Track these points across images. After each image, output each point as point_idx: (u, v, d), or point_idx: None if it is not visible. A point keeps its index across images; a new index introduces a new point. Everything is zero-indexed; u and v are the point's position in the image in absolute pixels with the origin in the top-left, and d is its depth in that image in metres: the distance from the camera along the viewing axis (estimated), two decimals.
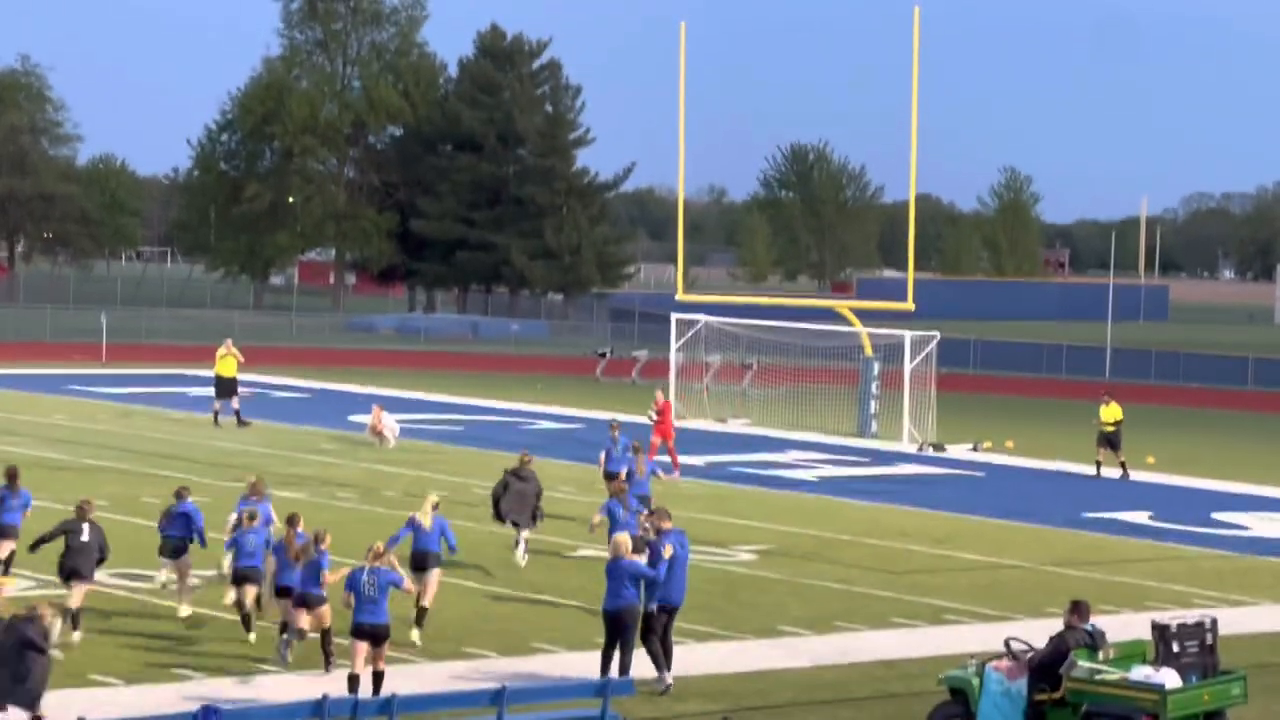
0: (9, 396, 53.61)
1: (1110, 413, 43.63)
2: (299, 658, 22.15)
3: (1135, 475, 44.70)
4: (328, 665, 21.36)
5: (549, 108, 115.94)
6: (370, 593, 20.29)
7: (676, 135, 55.53)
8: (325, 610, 21.50)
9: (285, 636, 21.77)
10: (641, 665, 21.51)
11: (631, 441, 33.66)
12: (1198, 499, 41.05)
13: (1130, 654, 18.79)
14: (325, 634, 21.56)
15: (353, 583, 20.47)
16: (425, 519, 24.09)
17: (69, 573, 23.21)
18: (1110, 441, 43.63)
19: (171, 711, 17.38)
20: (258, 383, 61.42)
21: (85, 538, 23.40)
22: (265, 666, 21.79)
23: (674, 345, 56.08)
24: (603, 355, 74.13)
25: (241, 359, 48.97)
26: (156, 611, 24.40)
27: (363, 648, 20.22)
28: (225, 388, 48.33)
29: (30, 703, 17.70)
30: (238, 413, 47.89)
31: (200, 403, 53.68)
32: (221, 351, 48.66)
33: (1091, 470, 43.90)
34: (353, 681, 20.12)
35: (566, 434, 49.50)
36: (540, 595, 26.63)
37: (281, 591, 22.14)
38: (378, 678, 20.20)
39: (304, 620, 21.44)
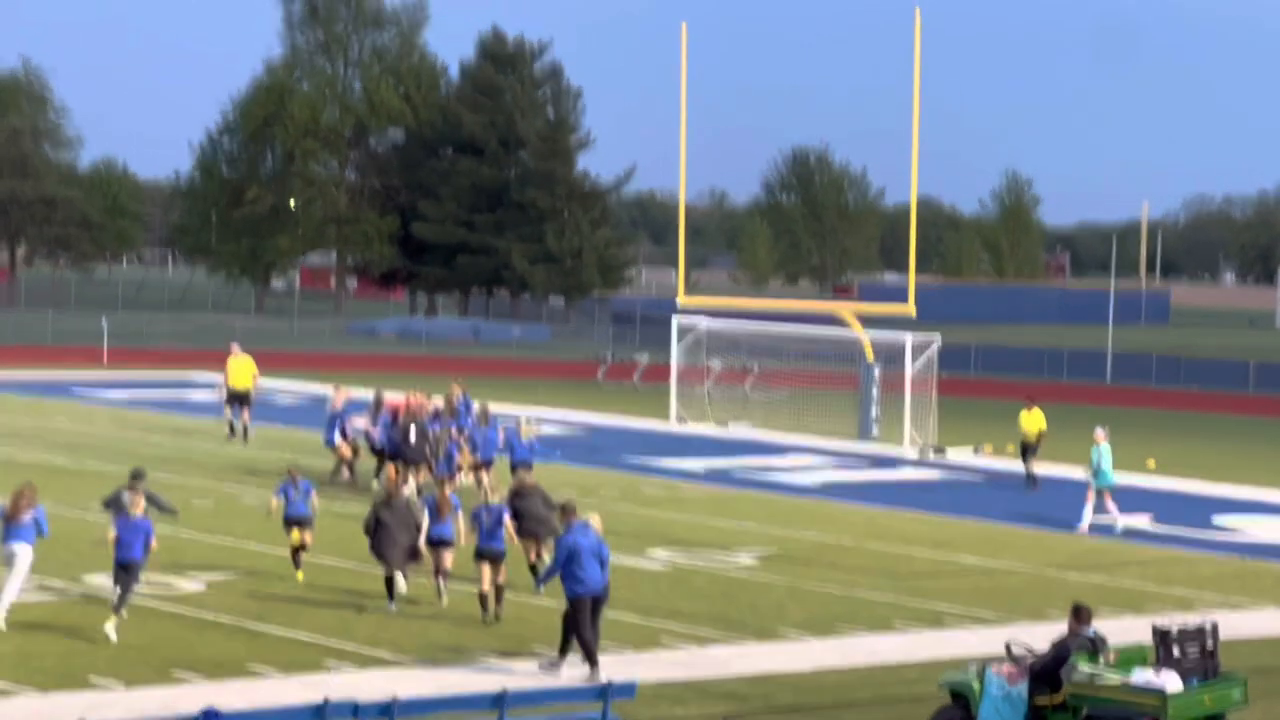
0: (10, 400, 53.63)
1: (1033, 420, 41.99)
2: (297, 661, 22.19)
3: (1136, 480, 44.67)
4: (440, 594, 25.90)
5: (550, 111, 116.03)
6: (488, 525, 24.94)
7: (677, 138, 55.60)
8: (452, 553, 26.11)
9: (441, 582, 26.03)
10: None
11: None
12: (1198, 503, 41.05)
13: (1131, 658, 18.78)
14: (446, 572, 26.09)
15: (475, 518, 25.20)
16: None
17: (409, 460, 35.22)
18: (1029, 450, 41.95)
19: (172, 714, 17.37)
20: (259, 386, 61.44)
21: (414, 439, 35.90)
22: (265, 669, 21.80)
23: (675, 349, 56.10)
24: (604, 359, 74.14)
25: (256, 370, 46.02)
26: (157, 613, 24.40)
27: (486, 568, 24.77)
28: (238, 397, 45.42)
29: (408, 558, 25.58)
30: (245, 426, 45.05)
31: (202, 407, 53.69)
32: (233, 359, 45.75)
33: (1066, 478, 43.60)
34: (483, 599, 24.84)
35: (569, 438, 49.49)
36: (540, 598, 26.61)
37: (435, 542, 25.89)
38: (499, 590, 24.92)
39: (449, 561, 26.02)
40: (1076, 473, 45.44)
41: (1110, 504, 35.99)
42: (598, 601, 22.43)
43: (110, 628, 23.12)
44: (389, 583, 25.65)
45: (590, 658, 22.02)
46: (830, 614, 26.51)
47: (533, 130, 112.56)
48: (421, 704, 17.54)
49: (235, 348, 46.36)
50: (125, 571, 23.71)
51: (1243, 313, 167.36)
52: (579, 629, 22.02)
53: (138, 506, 24.27)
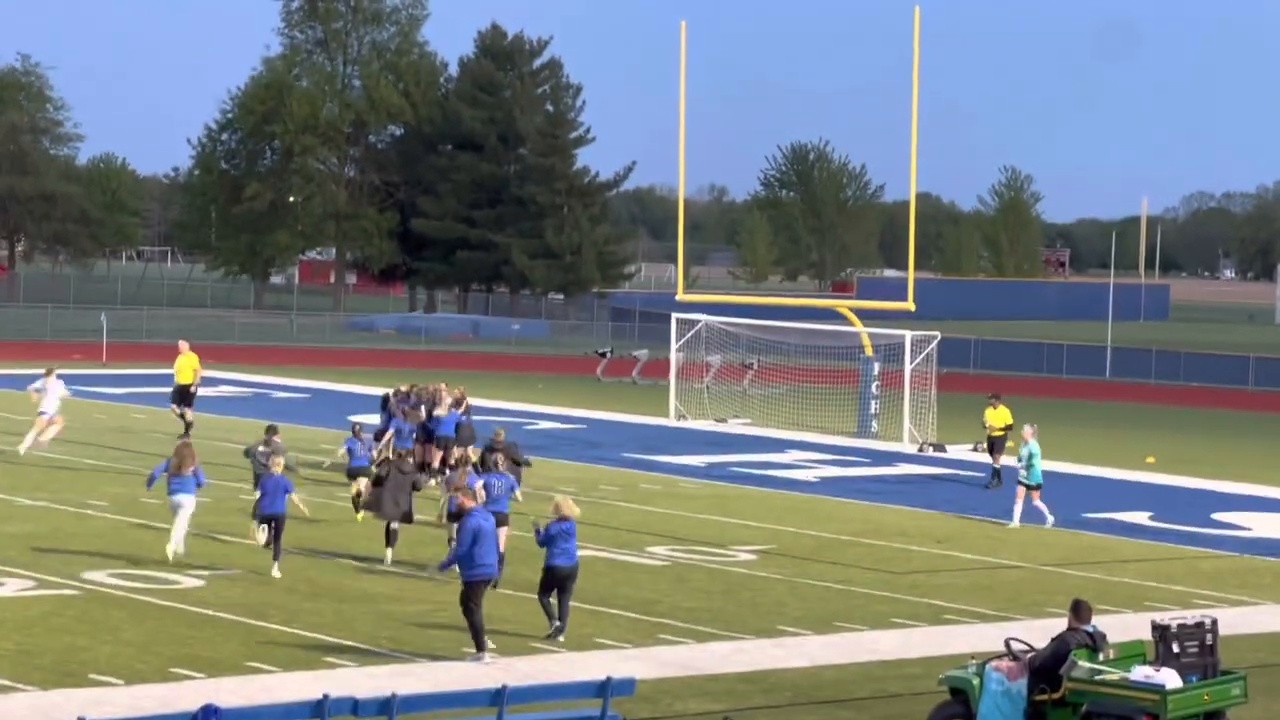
0: (9, 396, 53.57)
1: (999, 416, 41.53)
2: (296, 658, 22.19)
3: (1135, 476, 44.75)
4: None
5: (549, 107, 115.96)
6: (498, 492, 27.29)
7: (677, 134, 55.55)
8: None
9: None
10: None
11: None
12: (1198, 499, 41.07)
13: (1130, 654, 18.78)
14: None
15: (487, 486, 27.21)
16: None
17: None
18: (994, 446, 41.46)
19: (172, 711, 17.37)
20: (258, 382, 61.47)
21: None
22: (264, 666, 21.81)
23: (674, 345, 56.10)
24: (603, 355, 74.13)
25: (199, 366, 45.77)
26: (156, 609, 24.42)
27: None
28: (181, 393, 45.22)
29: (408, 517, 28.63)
30: (187, 421, 44.59)
31: (201, 402, 53.65)
32: (180, 357, 45.55)
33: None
34: None
35: (568, 434, 49.52)
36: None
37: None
38: (500, 556, 25.76)
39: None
40: (1071, 468, 45.54)
41: (1037, 502, 35.36)
42: (566, 579, 23.72)
43: (275, 571, 27.14)
44: (388, 532, 28.73)
45: (479, 642, 22.50)
46: (829, 610, 26.51)
47: (532, 126, 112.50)
48: (420, 700, 17.52)
49: (183, 344, 46.64)
50: (273, 523, 27.49)
51: (1242, 308, 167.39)
52: (470, 612, 22.52)
53: (276, 465, 28.20)
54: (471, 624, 22.54)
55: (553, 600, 23.91)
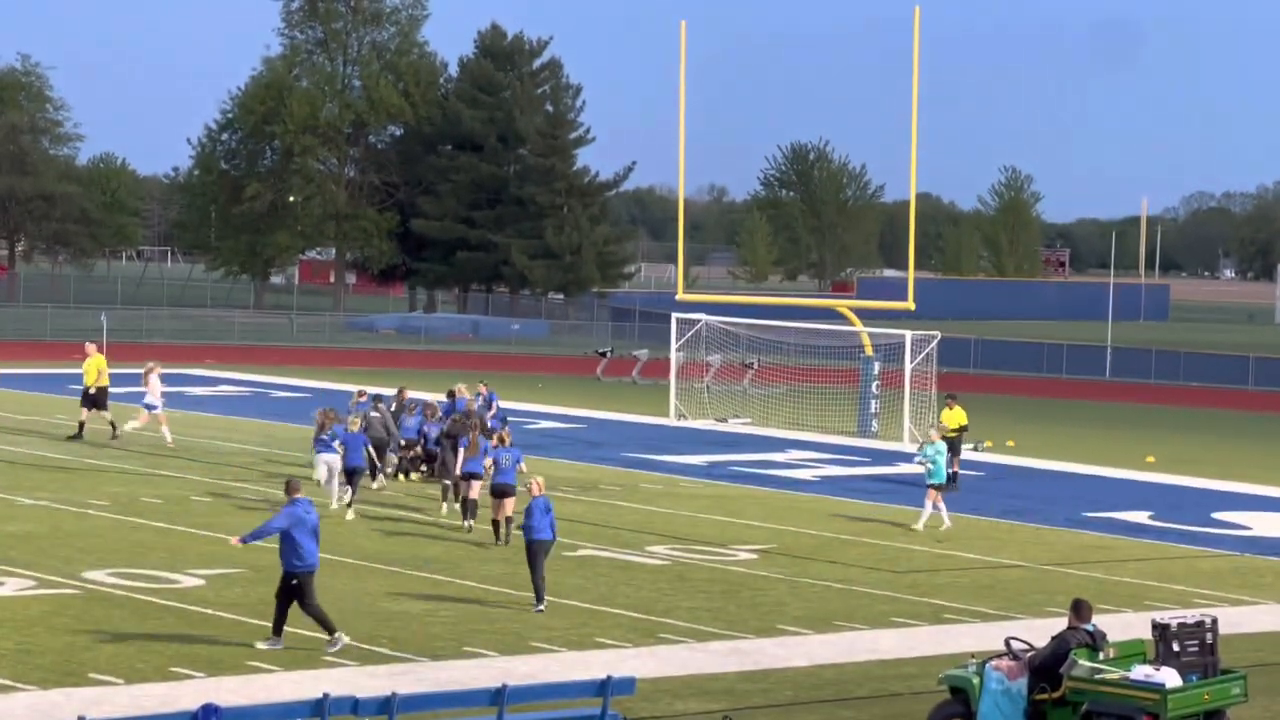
0: (10, 396, 53.61)
1: (954, 417, 41.12)
2: (299, 658, 22.19)
3: (1135, 475, 44.75)
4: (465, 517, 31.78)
5: (549, 107, 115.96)
6: (505, 464, 30.04)
7: (677, 134, 55.52)
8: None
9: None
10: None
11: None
12: (1198, 499, 41.06)
13: (1131, 653, 18.78)
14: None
15: (496, 460, 30.25)
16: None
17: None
18: (951, 447, 39.78)
19: (172, 710, 17.36)
20: (258, 382, 61.45)
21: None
22: (264, 665, 21.81)
23: (674, 345, 56.10)
24: (603, 355, 74.14)
25: (104, 368, 44.57)
26: (157, 609, 24.41)
27: (501, 502, 29.98)
28: (90, 396, 44.14)
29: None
30: (111, 423, 43.67)
31: (201, 402, 53.71)
32: (89, 359, 44.59)
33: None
34: (496, 526, 30.17)
35: (568, 434, 49.52)
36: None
37: (466, 475, 31.94)
38: (508, 522, 29.83)
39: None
40: (1072, 467, 45.54)
41: (940, 503, 34.81)
42: (536, 554, 25.09)
43: (349, 515, 32.18)
44: (464, 500, 32.49)
45: (277, 629, 22.69)
46: (829, 609, 26.50)
47: (532, 126, 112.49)
48: (420, 700, 17.52)
49: (89, 346, 45.95)
50: (354, 474, 32.54)
51: (1242, 308, 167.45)
52: (279, 602, 22.71)
53: (354, 425, 33.24)
54: (277, 612, 22.66)
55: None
